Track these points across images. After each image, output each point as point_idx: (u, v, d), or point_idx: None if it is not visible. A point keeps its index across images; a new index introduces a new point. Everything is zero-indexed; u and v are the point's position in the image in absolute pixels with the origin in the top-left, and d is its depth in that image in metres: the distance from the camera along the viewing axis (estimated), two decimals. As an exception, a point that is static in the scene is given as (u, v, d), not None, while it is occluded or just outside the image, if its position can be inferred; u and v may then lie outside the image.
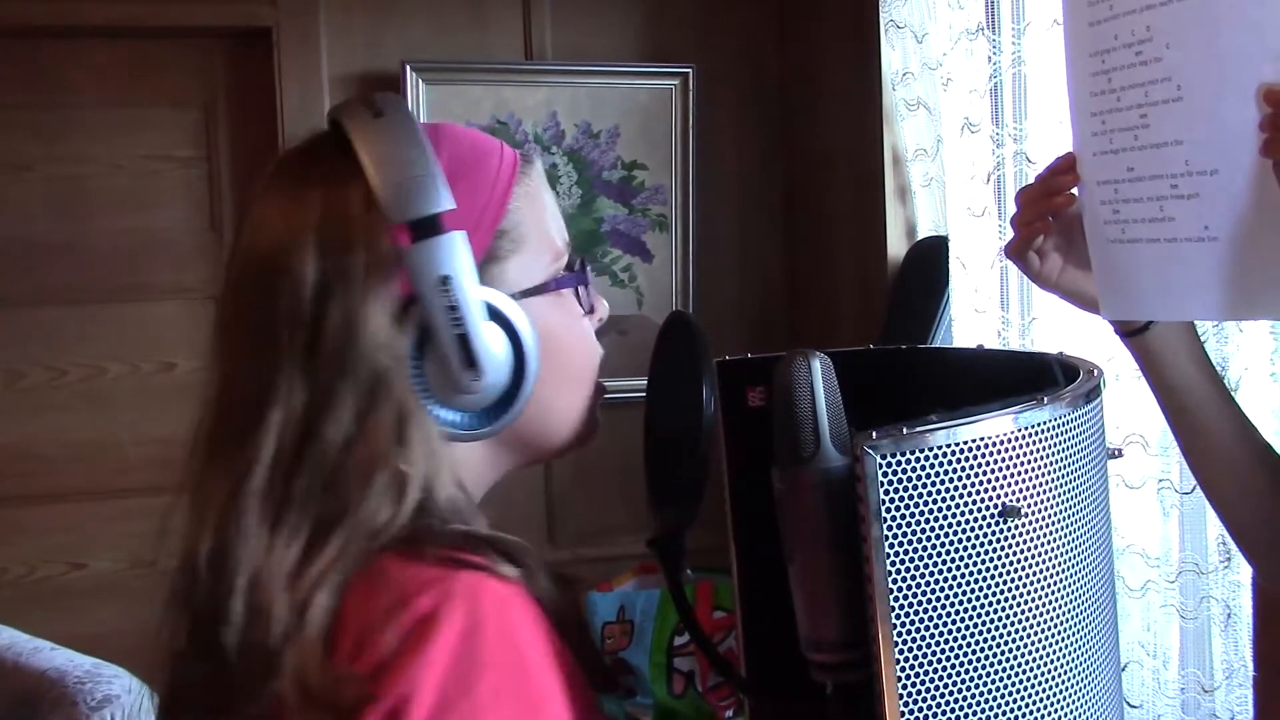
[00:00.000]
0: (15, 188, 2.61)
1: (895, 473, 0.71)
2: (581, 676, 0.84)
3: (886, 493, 0.71)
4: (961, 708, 0.72)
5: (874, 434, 0.71)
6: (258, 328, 0.83)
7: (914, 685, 0.71)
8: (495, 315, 0.84)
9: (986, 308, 2.00)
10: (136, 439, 2.63)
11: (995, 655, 0.73)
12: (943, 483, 0.72)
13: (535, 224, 0.90)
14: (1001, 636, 0.73)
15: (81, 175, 2.64)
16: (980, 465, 0.72)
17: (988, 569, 0.72)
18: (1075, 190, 1.02)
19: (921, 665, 0.71)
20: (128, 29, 2.60)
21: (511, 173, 0.89)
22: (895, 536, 0.71)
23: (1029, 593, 0.74)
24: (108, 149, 2.65)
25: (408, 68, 2.59)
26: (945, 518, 0.72)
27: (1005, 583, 0.73)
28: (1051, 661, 0.75)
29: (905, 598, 0.71)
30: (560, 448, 0.94)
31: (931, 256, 2.19)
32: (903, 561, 0.71)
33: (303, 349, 0.81)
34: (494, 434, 0.87)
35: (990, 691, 0.73)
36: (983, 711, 0.72)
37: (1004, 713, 0.73)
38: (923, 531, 0.71)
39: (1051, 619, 0.75)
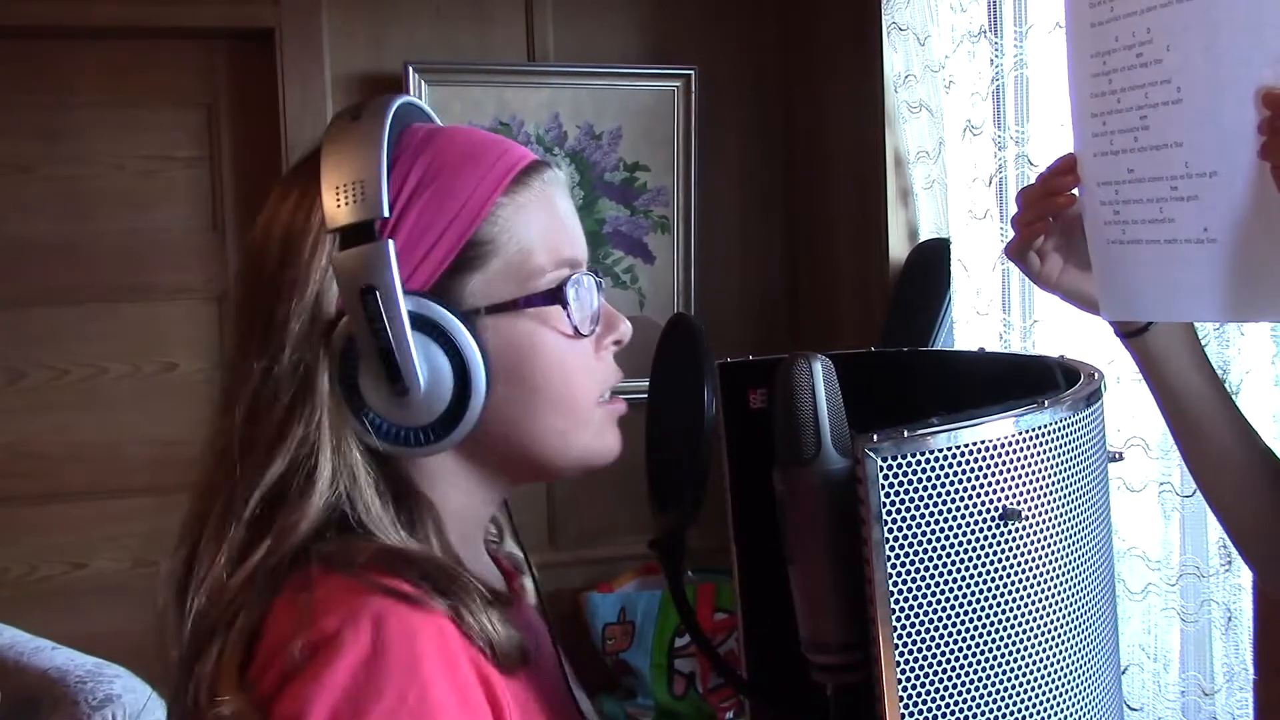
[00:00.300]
0: (17, 188, 2.62)
1: (896, 475, 0.71)
2: (532, 707, 0.82)
3: (887, 495, 0.71)
4: (962, 709, 0.72)
5: (875, 436, 0.71)
6: (237, 323, 0.86)
7: (914, 687, 0.71)
8: (432, 330, 0.82)
9: (988, 310, 2.00)
10: (138, 439, 2.63)
11: (996, 657, 0.73)
12: (944, 485, 0.71)
13: (525, 235, 0.86)
14: (1002, 639, 0.73)
15: (84, 175, 2.65)
16: (981, 468, 0.72)
17: (988, 571, 0.72)
18: (1076, 191, 1.02)
19: (922, 667, 0.71)
20: (130, 29, 2.60)
21: (501, 179, 0.86)
22: (896, 538, 0.71)
23: (1029, 595, 0.74)
24: (110, 149, 2.65)
25: (410, 69, 2.59)
26: (946, 520, 0.71)
27: (1006, 585, 0.73)
28: (1052, 664, 0.75)
29: (906, 600, 0.71)
30: (560, 469, 0.91)
31: (933, 259, 2.19)
32: (903, 563, 0.71)
33: (258, 348, 0.82)
34: (440, 450, 0.85)
35: (991, 694, 0.73)
36: (983, 713, 0.72)
37: (1004, 715, 0.73)
38: (924, 534, 0.71)
39: (1052, 621, 0.75)
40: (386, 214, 0.81)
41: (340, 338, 0.81)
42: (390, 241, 0.80)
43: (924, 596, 0.71)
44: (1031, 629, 0.74)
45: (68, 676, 1.84)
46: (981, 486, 0.72)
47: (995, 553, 0.73)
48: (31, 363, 2.64)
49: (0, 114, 2.60)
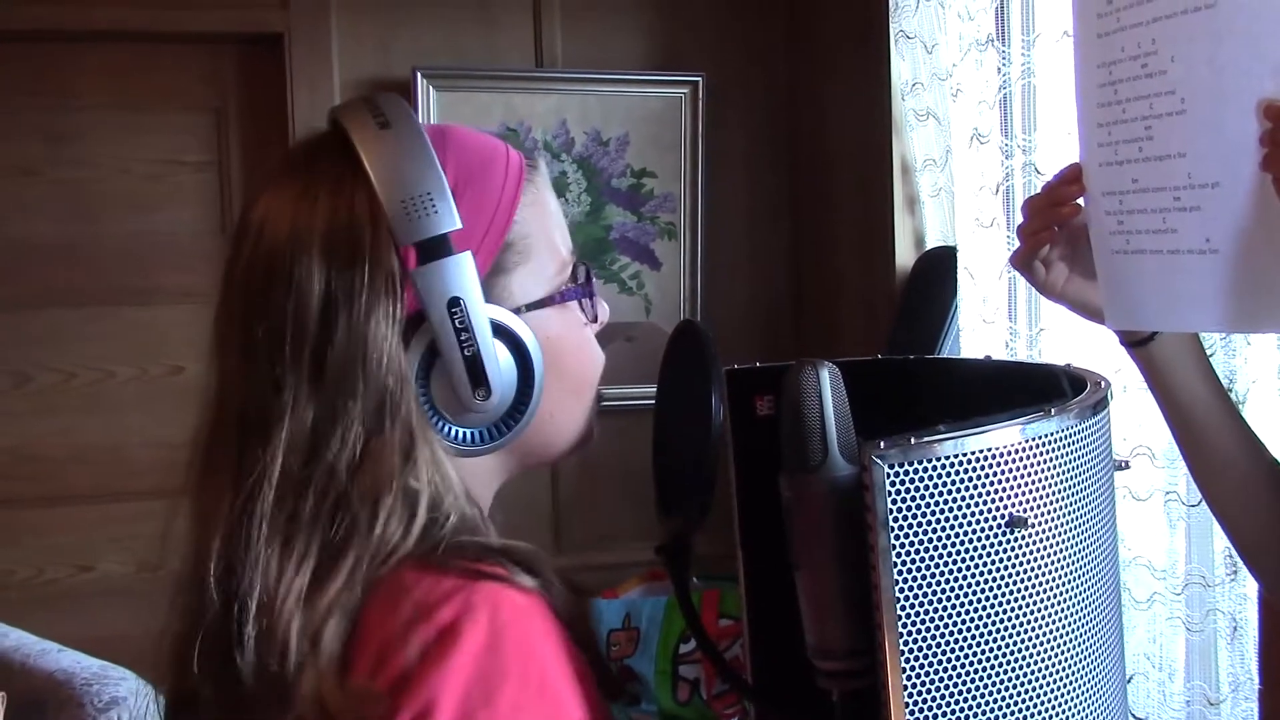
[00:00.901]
0: (25, 191, 2.62)
1: (903, 482, 0.71)
2: (597, 687, 0.83)
3: (894, 502, 0.71)
4: (967, 716, 0.72)
5: (882, 443, 0.71)
6: (261, 337, 0.82)
7: (919, 694, 0.72)
8: (502, 333, 0.84)
9: (995, 318, 2.00)
10: (144, 442, 2.64)
11: (1001, 665, 0.73)
12: (950, 493, 0.72)
13: (542, 233, 0.89)
14: (1007, 646, 0.73)
15: (91, 179, 2.65)
16: (987, 475, 0.73)
17: (994, 579, 0.73)
18: (1081, 201, 1.03)
19: (927, 674, 0.72)
20: (139, 34, 2.61)
21: (518, 181, 0.88)
22: (902, 545, 0.71)
23: (1035, 603, 0.74)
24: (118, 153, 2.66)
25: (418, 74, 2.60)
26: (952, 527, 0.72)
27: (1011, 593, 0.73)
28: (1057, 672, 0.75)
29: (911, 606, 0.71)
30: (558, 455, 0.93)
31: (940, 267, 2.19)
32: (909, 570, 0.71)
33: (309, 366, 0.80)
34: (500, 448, 0.87)
35: (996, 701, 0.73)
36: (988, 720, 0.73)
37: (1009, 722, 0.73)
38: (929, 541, 0.71)
39: (1057, 629, 0.75)
40: (460, 224, 0.81)
41: (420, 350, 0.82)
42: (470, 252, 0.82)
43: (930, 603, 0.72)
44: (1037, 636, 0.74)
45: (74, 679, 1.85)
46: (988, 494, 0.73)
47: (1001, 560, 0.73)
48: (38, 366, 2.65)
49: (7, 117, 2.61)
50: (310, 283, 0.80)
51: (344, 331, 0.79)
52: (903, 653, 0.71)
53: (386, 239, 0.80)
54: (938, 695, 0.72)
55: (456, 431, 0.85)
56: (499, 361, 0.83)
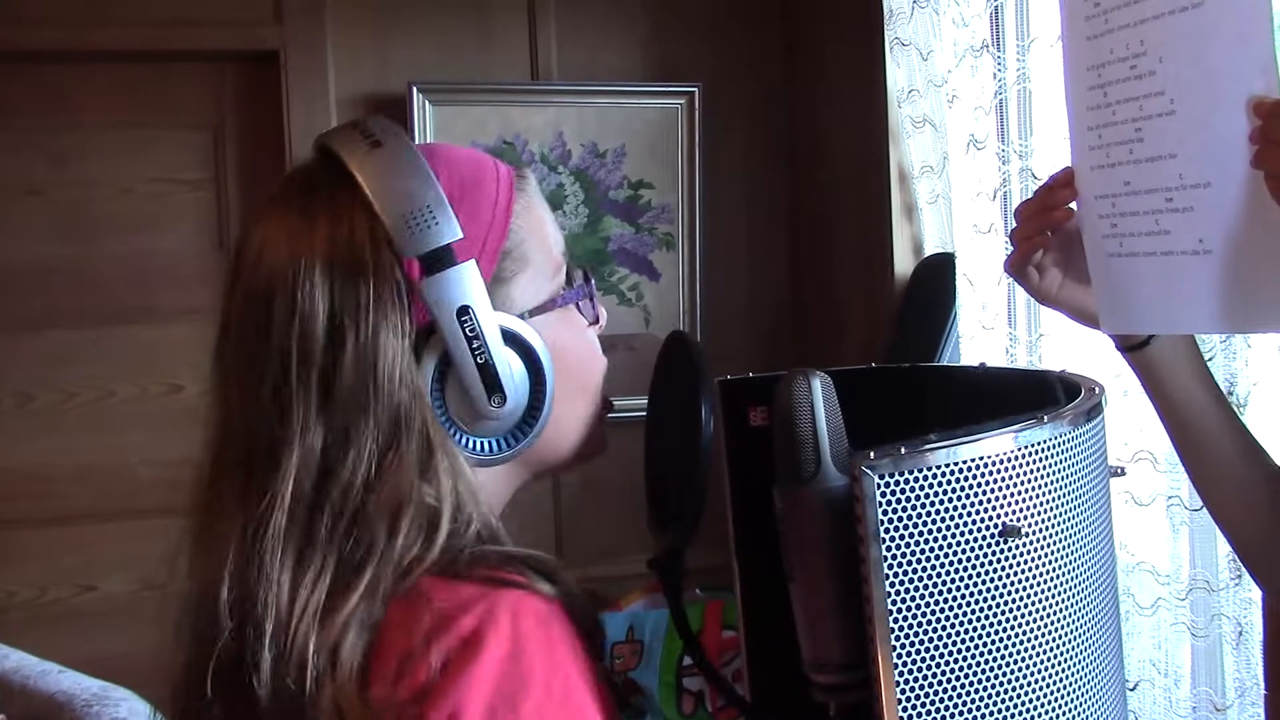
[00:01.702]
0: (25, 210, 2.63)
1: (894, 493, 0.70)
2: (608, 692, 0.84)
3: (885, 513, 0.70)
4: (962, 729, 0.71)
5: (872, 454, 0.71)
6: (265, 362, 0.82)
7: (915, 707, 0.71)
8: (511, 339, 0.85)
9: (994, 324, 2.00)
10: (145, 461, 2.63)
11: (996, 676, 0.72)
12: (942, 502, 0.71)
13: (536, 240, 0.90)
14: (1003, 657, 0.72)
15: (90, 198, 2.65)
16: (980, 484, 0.72)
17: (988, 589, 0.72)
18: (1074, 204, 1.02)
19: (922, 686, 0.71)
20: (136, 53, 2.62)
21: (509, 191, 0.89)
22: (894, 557, 0.70)
23: (1030, 613, 0.73)
24: (116, 171, 2.66)
25: (414, 89, 2.60)
26: (945, 538, 0.71)
27: (1006, 603, 0.72)
28: (1054, 682, 0.74)
29: (905, 619, 0.71)
30: (568, 461, 0.93)
31: (938, 273, 2.19)
32: (902, 582, 0.71)
33: (318, 387, 0.80)
34: (517, 455, 0.88)
35: (991, 713, 0.72)
36: (985, 733, 0.72)
37: (1006, 734, 0.72)
38: (922, 552, 0.71)
39: (1053, 639, 0.74)
40: (461, 234, 0.83)
41: (432, 361, 0.83)
42: (474, 261, 0.83)
43: (923, 615, 0.71)
44: (1033, 646, 0.73)
45: (74, 700, 1.84)
46: (981, 503, 0.72)
47: (995, 570, 0.72)
48: (39, 385, 2.65)
49: (9, 137, 2.61)
50: (315, 304, 0.81)
51: (352, 350, 0.80)
52: (896, 666, 0.71)
53: (389, 255, 0.82)
54: (932, 708, 0.71)
55: (473, 442, 0.86)
56: (511, 367, 0.84)
